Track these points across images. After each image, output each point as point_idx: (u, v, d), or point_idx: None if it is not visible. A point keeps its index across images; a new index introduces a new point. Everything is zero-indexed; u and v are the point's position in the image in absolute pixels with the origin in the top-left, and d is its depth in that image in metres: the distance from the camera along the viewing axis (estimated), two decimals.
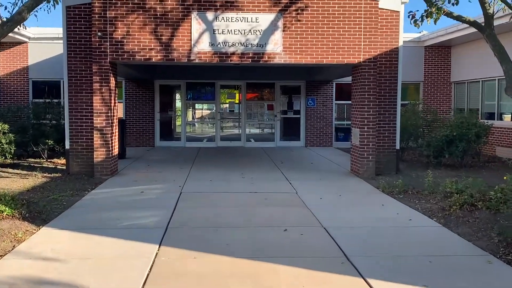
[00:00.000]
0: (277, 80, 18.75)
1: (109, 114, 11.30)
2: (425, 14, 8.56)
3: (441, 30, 17.18)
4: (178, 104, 19.18)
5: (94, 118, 11.26)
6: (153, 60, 11.15)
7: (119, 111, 18.36)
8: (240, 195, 9.36)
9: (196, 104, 19.57)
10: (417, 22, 8.63)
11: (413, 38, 18.42)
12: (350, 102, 19.53)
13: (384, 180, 10.80)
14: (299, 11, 11.20)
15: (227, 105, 19.45)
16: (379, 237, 6.60)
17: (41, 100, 17.05)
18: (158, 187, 10.18)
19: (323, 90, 18.80)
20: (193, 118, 19.50)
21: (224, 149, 17.94)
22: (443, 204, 8.33)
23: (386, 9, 11.68)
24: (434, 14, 8.35)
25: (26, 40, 17.50)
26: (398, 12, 11.83)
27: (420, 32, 19.01)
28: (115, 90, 11.78)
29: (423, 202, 8.76)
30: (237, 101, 19.23)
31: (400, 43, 11.96)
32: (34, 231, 6.83)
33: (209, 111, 19.79)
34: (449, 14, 8.63)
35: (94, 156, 11.29)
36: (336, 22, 11.25)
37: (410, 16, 8.83)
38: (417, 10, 8.80)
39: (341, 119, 19.38)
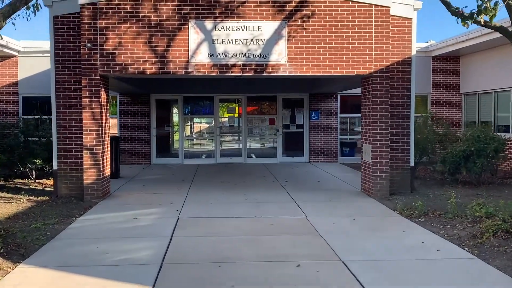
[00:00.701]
0: (279, 93, 17.92)
1: (100, 132, 10.42)
2: (476, 11, 7.40)
3: (450, 39, 16.39)
4: (176, 119, 18.31)
5: (83, 136, 10.37)
6: (148, 72, 10.30)
7: (113, 127, 17.50)
8: (244, 221, 8.45)
9: (194, 119, 18.72)
10: (467, 21, 7.54)
11: (420, 48, 17.64)
12: (355, 115, 18.86)
13: (400, 201, 9.90)
14: (304, 19, 10.39)
15: (227, 119, 18.60)
16: (408, 273, 5.69)
17: (31, 117, 16.21)
18: (153, 211, 9.26)
19: (327, 103, 17.97)
20: (191, 133, 18.63)
21: (224, 166, 17.05)
22: (473, 230, 7.42)
23: (397, 16, 10.87)
24: (490, 10, 7.22)
25: (16, 54, 16.66)
26: (411, 19, 11.02)
27: (427, 42, 18.24)
28: (107, 105, 10.91)
29: (448, 227, 7.85)
30: (237, 115, 18.39)
31: (413, 52, 11.14)
32: (8, 269, 5.91)
33: (208, 126, 18.93)
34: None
35: (84, 177, 10.39)
36: (344, 30, 10.43)
37: (457, 14, 7.66)
38: (466, 6, 7.64)
39: (346, 133, 18.54)
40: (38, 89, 16.69)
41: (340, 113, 18.11)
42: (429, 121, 13.95)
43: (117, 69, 10.26)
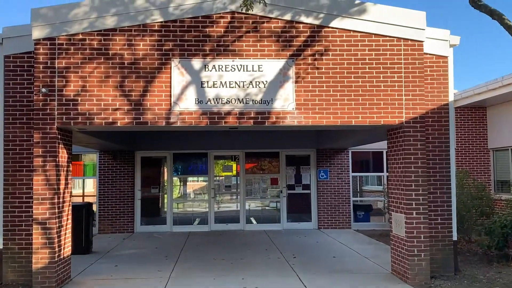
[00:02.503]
0: (282, 148, 15.68)
1: (56, 201, 8.08)
2: None
3: (478, 87, 14.34)
4: (164, 179, 15.97)
5: (33, 206, 8.03)
6: (119, 124, 8.08)
7: (92, 189, 15.15)
8: None
9: (185, 179, 16.37)
10: None
11: None
12: (370, 174, 16.59)
13: None
14: (316, 56, 8.28)
15: (223, 179, 16.25)
16: None
17: None
18: None
19: (337, 160, 15.70)
20: (181, 195, 16.24)
21: (219, 234, 14.56)
22: None
23: (430, 54, 8.77)
24: None
25: None
26: (446, 58, 8.91)
27: None
28: (68, 166, 8.62)
29: None
30: (234, 174, 16.07)
31: (451, 98, 8.98)
32: None
33: (201, 187, 16.57)
34: None
35: (33, 260, 7.96)
36: (367, 70, 8.31)
37: None
38: None
39: (359, 194, 16.19)
40: None
41: (352, 172, 15.81)
42: (465, 182, 11.63)
43: (80, 120, 8.05)
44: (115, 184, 15.24)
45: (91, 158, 15.61)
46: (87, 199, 15.49)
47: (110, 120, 8.07)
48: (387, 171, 15.88)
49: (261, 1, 6.75)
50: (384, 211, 15.63)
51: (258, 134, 14.17)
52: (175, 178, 15.97)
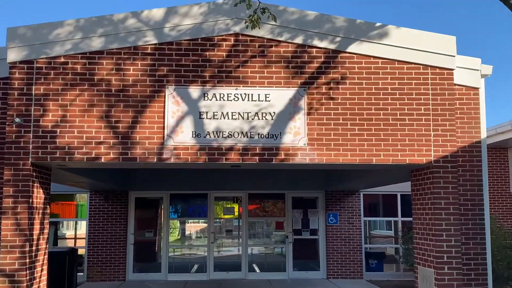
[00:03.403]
0: (288, 189, 14.48)
1: (28, 249, 6.90)
2: None
3: (501, 126, 13.29)
4: (159, 222, 14.73)
5: (0, 255, 6.84)
6: (102, 160, 6.98)
7: (82, 232, 13.93)
8: None
9: (183, 222, 15.12)
10: None
11: None
12: (382, 218, 15.34)
13: None
14: (331, 85, 7.24)
15: (224, 222, 14.99)
16: None
17: None
18: None
19: (347, 203, 14.48)
20: (178, 240, 14.96)
21: (218, 284, 13.22)
22: None
23: (460, 85, 7.71)
24: None
25: None
26: (478, 89, 7.86)
27: None
28: (44, 209, 7.48)
29: None
30: (236, 217, 14.82)
31: (483, 135, 7.87)
32: None
33: (199, 231, 15.29)
34: None
35: None
36: (389, 101, 7.25)
37: None
38: None
39: (372, 241, 14.91)
40: None
41: (364, 216, 14.56)
42: (498, 231, 10.40)
43: (58, 155, 6.95)
44: (106, 227, 14.00)
45: (86, 198, 14.45)
46: (79, 243, 14.29)
47: (93, 155, 6.97)
48: (401, 216, 14.74)
49: (269, 15, 5.76)
50: (400, 260, 14.30)
51: (262, 174, 13.02)
52: (171, 221, 14.73)
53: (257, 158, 7.09)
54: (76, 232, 15.06)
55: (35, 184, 7.14)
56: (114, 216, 14.12)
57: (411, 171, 7.99)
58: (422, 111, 7.26)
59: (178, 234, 15.20)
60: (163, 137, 7.02)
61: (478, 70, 7.84)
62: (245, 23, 6.19)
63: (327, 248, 14.24)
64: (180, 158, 7.02)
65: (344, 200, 14.46)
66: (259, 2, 5.64)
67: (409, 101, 7.27)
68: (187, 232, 15.31)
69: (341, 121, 7.18)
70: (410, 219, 14.69)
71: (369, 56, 7.31)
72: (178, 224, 15.09)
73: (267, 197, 14.90)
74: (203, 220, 14.87)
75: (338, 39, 7.28)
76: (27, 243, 6.91)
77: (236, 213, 14.83)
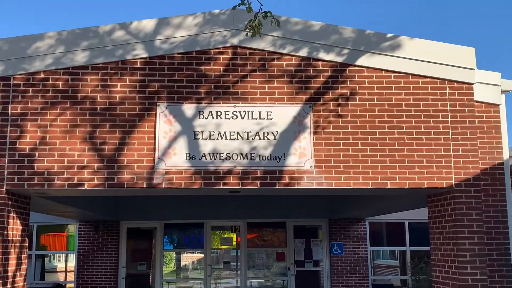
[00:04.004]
0: (289, 218, 13.69)
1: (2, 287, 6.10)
2: None
3: None
4: (153, 254, 13.86)
5: None
6: (86, 186, 6.24)
7: (71, 264, 13.07)
8: None
9: (177, 254, 14.27)
10: None
11: None
12: (389, 248, 14.55)
13: None
14: (340, 101, 6.57)
15: (221, 252, 14.15)
16: None
17: None
18: None
19: (352, 232, 13.71)
20: (173, 273, 14.08)
21: None
22: None
23: (479, 102, 7.03)
24: None
25: None
26: (498, 106, 7.19)
27: None
28: (22, 241, 6.68)
29: None
30: (234, 247, 13.98)
31: (505, 156, 7.16)
32: None
33: (195, 263, 14.45)
34: None
35: None
36: (404, 118, 6.57)
37: None
38: None
39: (376, 271, 14.06)
40: None
41: (370, 246, 13.76)
42: None
43: (36, 182, 6.20)
44: (96, 260, 13.17)
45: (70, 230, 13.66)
46: (69, 276, 13.46)
47: (75, 181, 6.22)
48: (410, 245, 13.94)
49: (272, 20, 5.11)
50: None
51: (262, 201, 12.25)
52: (166, 253, 13.88)
53: (258, 182, 6.35)
54: (66, 265, 14.25)
55: (11, 215, 6.38)
56: (104, 248, 13.32)
57: (428, 196, 7.26)
58: (441, 129, 6.57)
59: (173, 266, 14.37)
60: (154, 160, 6.30)
61: (498, 85, 7.18)
62: (245, 29, 5.53)
63: (332, 281, 13.38)
64: (173, 183, 6.29)
65: (349, 228, 13.68)
66: (261, 5, 5.01)
67: (425, 119, 6.59)
68: (182, 264, 14.48)
69: (351, 141, 6.48)
70: (420, 248, 14.10)
71: (381, 70, 6.65)
72: (173, 256, 14.27)
73: (267, 226, 14.11)
74: (199, 251, 14.03)
75: (346, 51, 6.64)
76: (1, 281, 6.11)
77: (234, 243, 14.02)
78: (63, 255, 14.44)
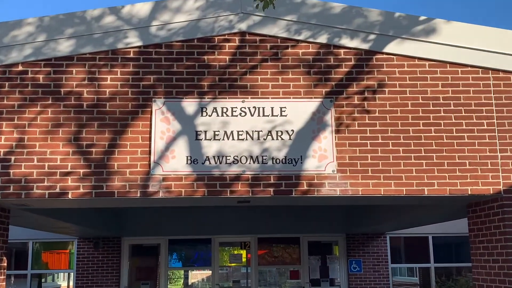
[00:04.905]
0: (303, 233, 12.64)
1: None
2: None
3: None
4: (157, 273, 12.87)
5: None
6: (70, 196, 5.33)
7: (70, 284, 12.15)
8: None
9: (184, 272, 13.28)
10: None
11: None
12: (413, 265, 13.49)
13: None
14: (366, 95, 5.63)
15: (230, 270, 13.15)
16: None
17: None
18: None
19: (372, 247, 12.63)
20: None
21: None
22: None
23: None
24: None
25: None
26: None
27: None
28: (0, 260, 5.78)
29: None
30: (244, 264, 12.96)
31: None
32: None
33: (203, 281, 13.45)
34: None
35: None
36: (441, 114, 5.62)
37: None
38: None
39: None
40: None
41: (391, 263, 12.68)
42: None
43: (11, 191, 5.30)
44: (96, 280, 12.19)
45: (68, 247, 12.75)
46: None
47: (57, 189, 5.32)
48: (434, 261, 12.87)
49: None
50: None
51: (273, 213, 11.30)
52: (171, 271, 12.90)
53: (271, 190, 5.41)
54: (69, 284, 13.28)
55: None
56: (105, 266, 12.35)
57: (468, 206, 6.25)
58: (485, 127, 5.60)
59: (181, 284, 13.38)
60: (149, 164, 5.38)
61: None
62: (254, 0, 4.65)
63: None
64: (171, 192, 5.35)
65: (368, 244, 12.62)
66: None
67: (467, 114, 5.62)
68: (189, 283, 13.48)
69: (380, 141, 5.52)
70: (445, 265, 13.05)
71: (413, 58, 5.72)
72: (179, 274, 13.27)
73: (279, 242, 13.06)
74: (207, 270, 13.02)
75: (372, 36, 5.72)
76: None
77: (244, 260, 12.99)
78: (65, 275, 13.53)
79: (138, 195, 5.36)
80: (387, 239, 12.71)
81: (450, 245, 13.23)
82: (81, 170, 5.36)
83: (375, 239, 12.64)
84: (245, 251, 13.02)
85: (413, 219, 8.84)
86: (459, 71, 5.72)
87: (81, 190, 5.34)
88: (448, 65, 5.72)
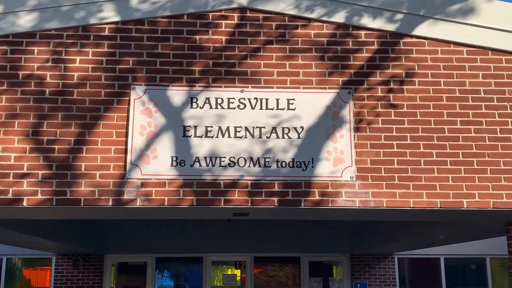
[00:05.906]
0: (304, 252, 11.61)
1: None
2: None
3: None
4: None
5: None
6: (25, 203, 4.30)
7: None
8: None
9: None
10: None
11: None
12: None
13: None
14: (391, 86, 4.65)
15: None
16: None
17: None
18: None
19: (378, 269, 11.63)
20: None
21: None
22: None
23: None
24: None
25: None
26: None
27: None
28: None
29: None
30: (238, 286, 11.92)
31: None
32: None
33: None
34: None
35: None
36: (483, 110, 4.65)
37: None
38: None
39: None
40: None
41: (400, 285, 11.65)
42: None
43: None
44: None
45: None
46: None
47: (10, 195, 4.28)
48: (446, 285, 11.84)
49: None
50: None
51: (272, 229, 10.30)
52: None
53: (275, 200, 4.38)
54: None
55: None
56: (85, 286, 11.31)
57: (507, 223, 5.24)
58: None
59: None
60: (125, 166, 4.35)
61: None
62: None
63: None
64: (152, 200, 4.32)
65: (375, 265, 11.60)
66: None
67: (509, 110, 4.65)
68: None
69: (408, 141, 4.53)
70: None
71: (448, 42, 4.76)
72: None
73: (277, 261, 12.04)
74: None
75: (399, 16, 4.76)
76: None
77: (238, 282, 11.95)
78: None
79: (110, 203, 4.32)
80: (395, 260, 11.70)
81: (463, 267, 12.27)
82: (40, 172, 4.32)
83: (383, 260, 11.65)
84: (240, 271, 12.03)
85: (431, 238, 7.71)
86: (503, 60, 4.77)
87: (40, 197, 4.30)
88: (490, 52, 4.77)
